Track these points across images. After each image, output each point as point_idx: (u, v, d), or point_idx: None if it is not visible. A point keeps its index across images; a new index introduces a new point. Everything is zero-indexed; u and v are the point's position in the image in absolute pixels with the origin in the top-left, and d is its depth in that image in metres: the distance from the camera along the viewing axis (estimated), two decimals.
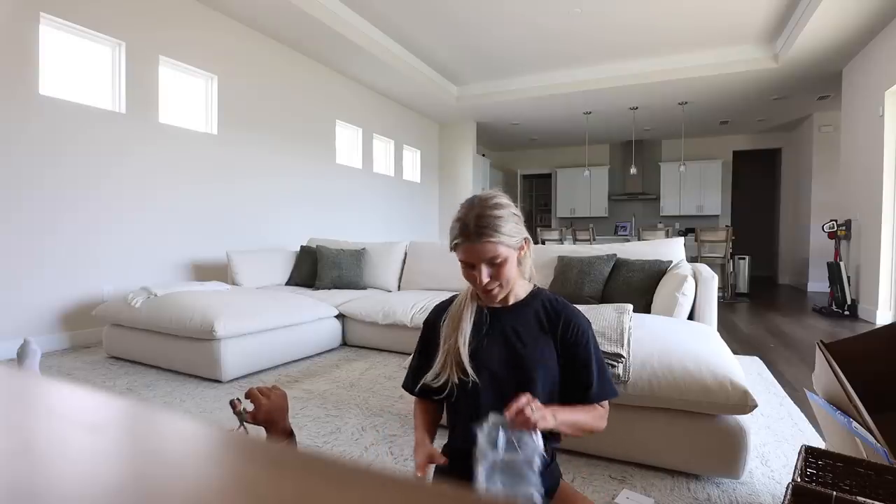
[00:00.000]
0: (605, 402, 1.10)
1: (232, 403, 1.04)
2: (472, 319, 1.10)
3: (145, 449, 0.22)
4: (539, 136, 9.56)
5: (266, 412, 1.02)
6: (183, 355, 2.69)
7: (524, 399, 0.89)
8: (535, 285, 1.17)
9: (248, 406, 1.03)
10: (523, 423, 0.88)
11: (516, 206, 1.08)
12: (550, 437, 1.10)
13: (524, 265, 1.11)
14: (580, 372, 1.08)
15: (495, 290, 1.05)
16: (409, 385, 1.19)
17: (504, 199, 1.06)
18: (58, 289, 3.26)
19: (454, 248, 1.03)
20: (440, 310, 1.19)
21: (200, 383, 2.59)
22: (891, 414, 1.33)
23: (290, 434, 1.07)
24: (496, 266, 1.02)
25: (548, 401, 1.07)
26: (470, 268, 1.03)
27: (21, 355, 1.89)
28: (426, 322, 1.21)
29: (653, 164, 9.77)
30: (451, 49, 5.79)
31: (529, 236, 1.09)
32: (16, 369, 0.29)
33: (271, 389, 1.06)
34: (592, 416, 1.05)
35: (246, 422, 1.03)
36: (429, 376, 1.09)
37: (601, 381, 1.08)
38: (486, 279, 1.02)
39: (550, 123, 8.42)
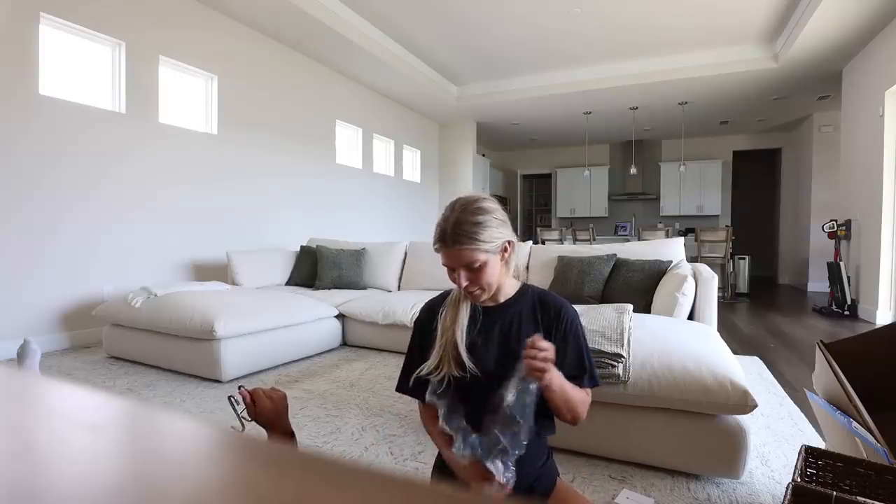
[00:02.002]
0: (589, 391, 1.12)
1: (237, 399, 1.05)
2: (469, 314, 1.10)
3: (145, 449, 0.22)
4: (539, 136, 9.56)
5: (268, 413, 1.02)
6: (183, 355, 2.69)
7: (547, 346, 0.93)
8: (522, 282, 1.17)
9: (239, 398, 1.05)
10: (536, 370, 0.93)
11: (502, 209, 1.09)
12: (544, 429, 1.10)
13: (510, 265, 1.11)
14: (573, 360, 1.10)
15: (476, 293, 1.06)
16: (403, 386, 1.17)
17: (487, 204, 1.06)
18: (58, 289, 3.26)
19: (435, 251, 1.06)
20: (431, 307, 1.18)
21: (200, 383, 2.59)
22: (891, 414, 1.33)
23: (290, 435, 1.06)
24: (475, 271, 1.03)
25: (541, 394, 1.08)
26: (451, 270, 1.06)
27: (21, 355, 1.89)
28: (418, 321, 1.19)
29: (653, 164, 9.77)
30: (451, 49, 5.79)
31: (514, 238, 1.09)
32: (16, 369, 0.29)
33: (272, 391, 1.06)
34: (581, 398, 1.06)
35: (244, 419, 1.03)
36: (424, 370, 1.09)
37: (591, 368, 1.11)
38: (464, 283, 1.04)
39: (550, 123, 8.42)
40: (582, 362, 1.10)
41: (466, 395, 1.06)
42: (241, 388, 1.06)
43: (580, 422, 1.06)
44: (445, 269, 1.08)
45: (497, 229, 1.04)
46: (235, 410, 1.06)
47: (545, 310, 1.11)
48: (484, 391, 1.04)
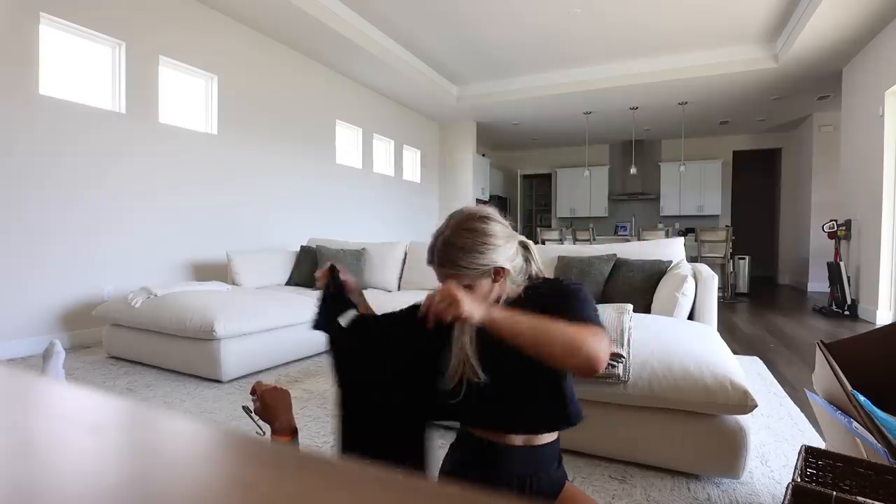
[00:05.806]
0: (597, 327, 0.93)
1: (249, 407, 1.17)
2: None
3: (145, 449, 0.22)
4: (539, 136, 9.56)
5: (261, 412, 1.09)
6: (183, 355, 2.69)
7: (452, 285, 0.83)
8: (524, 285, 1.07)
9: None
10: (443, 311, 0.80)
11: (502, 226, 1.02)
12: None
13: (504, 287, 1.03)
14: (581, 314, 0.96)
15: None
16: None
17: (481, 225, 0.99)
18: (58, 289, 3.26)
19: (427, 264, 1.06)
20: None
21: (200, 383, 2.59)
22: (891, 414, 1.33)
23: (293, 431, 1.09)
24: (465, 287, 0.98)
25: (555, 391, 1.02)
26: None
27: (46, 356, 1.91)
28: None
29: (653, 164, 9.77)
30: (451, 49, 5.79)
31: (509, 264, 1.01)
32: (16, 369, 0.29)
33: (270, 391, 1.10)
34: (576, 330, 0.84)
35: (259, 425, 1.13)
36: (443, 382, 1.04)
37: (596, 319, 0.97)
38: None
39: (550, 123, 8.42)
40: (589, 313, 0.95)
41: (477, 398, 1.01)
42: (254, 386, 1.13)
43: (598, 364, 0.82)
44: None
45: (486, 255, 0.97)
46: (252, 418, 1.13)
47: (550, 299, 0.99)
48: (496, 391, 1.01)
